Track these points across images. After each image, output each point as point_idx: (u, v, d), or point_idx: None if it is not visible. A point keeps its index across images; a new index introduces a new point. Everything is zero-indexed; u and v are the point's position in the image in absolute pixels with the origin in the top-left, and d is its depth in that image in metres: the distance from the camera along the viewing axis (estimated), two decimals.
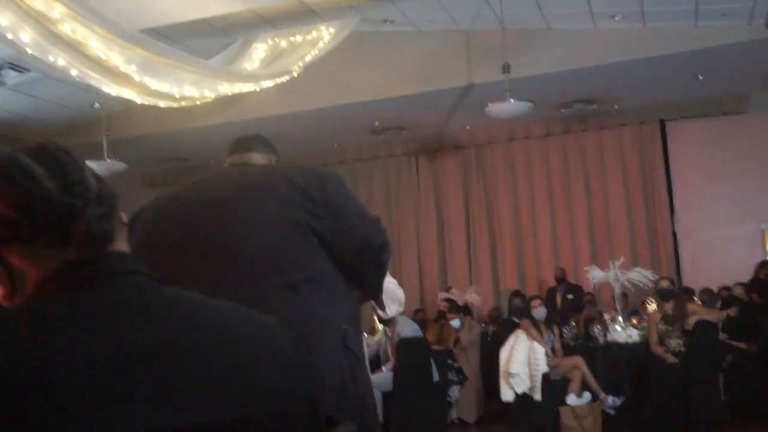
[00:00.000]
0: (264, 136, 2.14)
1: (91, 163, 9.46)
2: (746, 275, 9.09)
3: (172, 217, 1.80)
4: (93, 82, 6.75)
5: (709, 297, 8.65)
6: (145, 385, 0.84)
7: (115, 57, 6.39)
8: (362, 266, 1.83)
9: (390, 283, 2.26)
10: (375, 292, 2.01)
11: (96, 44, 6.14)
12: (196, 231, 1.72)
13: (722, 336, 7.25)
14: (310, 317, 1.62)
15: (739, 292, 8.00)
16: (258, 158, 2.01)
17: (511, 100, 7.75)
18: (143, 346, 0.87)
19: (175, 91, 7.36)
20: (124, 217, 1.04)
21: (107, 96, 7.56)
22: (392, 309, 2.51)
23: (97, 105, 9.55)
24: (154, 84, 7.03)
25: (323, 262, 1.72)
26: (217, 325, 0.96)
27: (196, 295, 1.00)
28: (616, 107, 10.47)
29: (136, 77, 6.76)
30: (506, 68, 7.87)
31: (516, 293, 9.22)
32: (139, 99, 7.38)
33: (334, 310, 1.72)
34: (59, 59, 6.10)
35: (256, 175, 1.86)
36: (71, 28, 5.79)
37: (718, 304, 8.37)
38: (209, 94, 7.85)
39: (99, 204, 0.96)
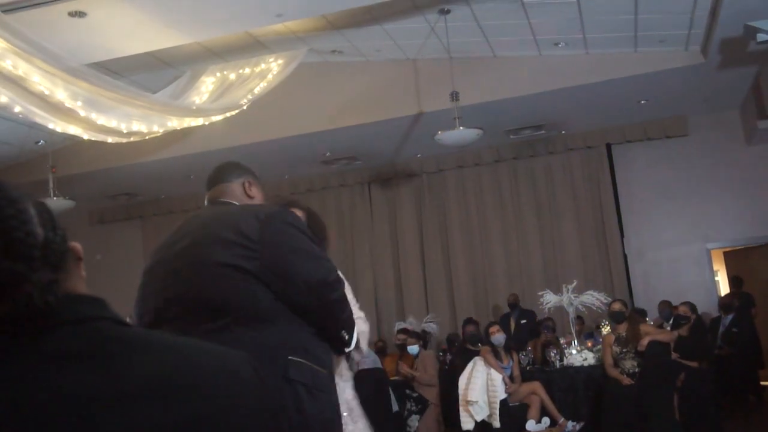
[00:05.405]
0: (235, 161, 2.27)
1: None
2: (695, 295, 9.25)
3: (157, 263, 2.00)
4: (37, 119, 6.59)
5: (666, 306, 8.80)
6: None
7: (59, 92, 6.27)
8: (306, 302, 1.88)
9: (358, 319, 2.23)
10: (332, 330, 2.00)
11: (39, 79, 6.01)
12: (167, 278, 1.92)
13: (674, 355, 7.35)
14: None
15: (683, 310, 8.10)
16: (232, 187, 2.15)
17: (461, 128, 7.79)
18: (98, 395, 0.81)
19: (123, 127, 7.24)
20: (79, 250, 0.95)
21: (53, 132, 7.40)
22: (363, 346, 2.47)
23: (42, 142, 9.35)
24: (100, 119, 6.91)
25: (261, 300, 1.81)
26: (179, 371, 0.88)
27: (162, 336, 0.94)
28: (563, 132, 10.66)
29: (82, 113, 6.63)
30: (455, 96, 7.94)
31: (469, 320, 9.20)
32: (85, 135, 7.23)
33: (273, 345, 1.80)
34: (1, 96, 5.95)
35: (204, 221, 1.99)
36: (12, 63, 5.66)
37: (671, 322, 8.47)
38: (158, 129, 7.74)
39: (45, 262, 0.84)
